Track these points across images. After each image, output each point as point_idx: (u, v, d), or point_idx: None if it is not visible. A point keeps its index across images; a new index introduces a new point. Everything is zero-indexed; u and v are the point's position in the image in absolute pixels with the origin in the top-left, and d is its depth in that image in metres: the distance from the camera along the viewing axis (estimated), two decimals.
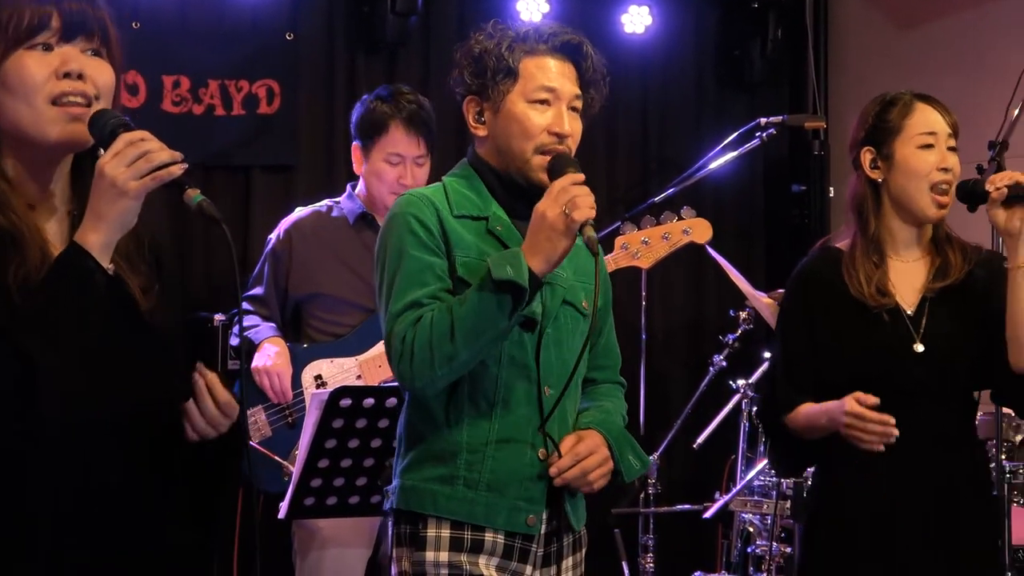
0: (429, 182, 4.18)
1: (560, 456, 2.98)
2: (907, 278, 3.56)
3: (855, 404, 3.34)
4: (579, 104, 3.07)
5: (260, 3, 5.77)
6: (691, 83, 7.04)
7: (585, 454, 2.99)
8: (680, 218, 4.72)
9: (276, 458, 4.31)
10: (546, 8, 6.20)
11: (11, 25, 2.40)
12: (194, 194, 2.34)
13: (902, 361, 3.47)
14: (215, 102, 5.67)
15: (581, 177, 2.87)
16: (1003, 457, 4.69)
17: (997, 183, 3.38)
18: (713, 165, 5.67)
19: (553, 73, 3.04)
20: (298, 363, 4.41)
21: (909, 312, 3.52)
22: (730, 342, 5.60)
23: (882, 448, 3.34)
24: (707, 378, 5.68)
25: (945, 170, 3.49)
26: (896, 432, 3.32)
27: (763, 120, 5.65)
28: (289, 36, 5.88)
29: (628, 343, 5.85)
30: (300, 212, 4.64)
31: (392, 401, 3.65)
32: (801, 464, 3.79)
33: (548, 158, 2.99)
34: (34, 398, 2.31)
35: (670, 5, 6.79)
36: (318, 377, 4.42)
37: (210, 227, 2.47)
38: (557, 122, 3.01)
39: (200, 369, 2.45)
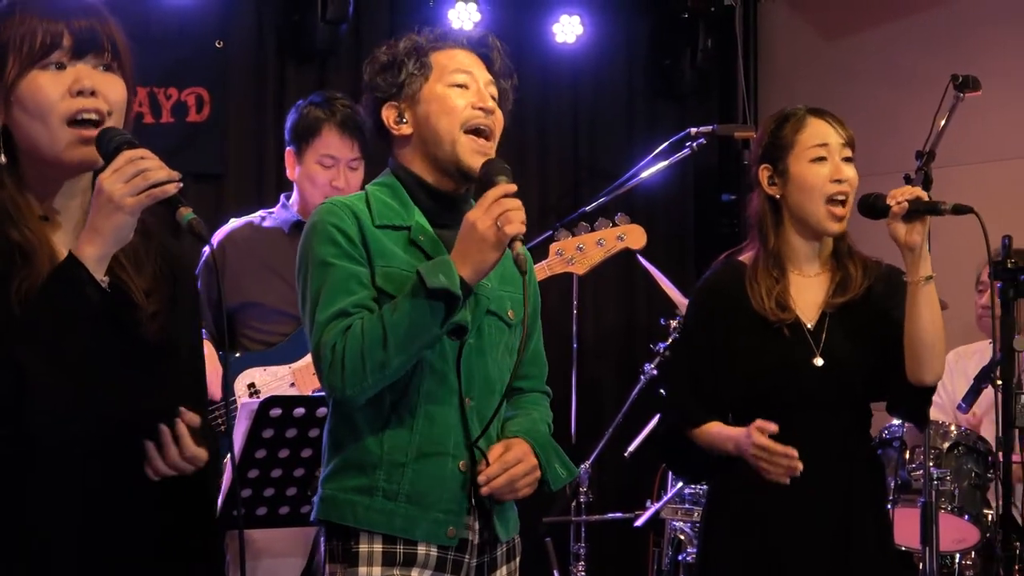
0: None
1: (488, 464, 2.95)
2: (808, 293, 3.59)
3: (760, 436, 3.37)
4: (495, 91, 3.07)
5: (189, 10, 5.74)
6: (622, 93, 7.07)
7: (513, 462, 2.96)
8: (614, 224, 4.73)
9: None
10: (477, 17, 6.21)
11: (24, 45, 2.44)
12: (186, 212, 2.40)
13: (802, 375, 3.51)
14: (143, 110, 5.63)
15: (513, 188, 2.85)
16: (931, 464, 4.69)
17: (898, 198, 3.40)
18: (644, 174, 5.68)
19: (464, 60, 3.06)
20: (231, 372, 4.38)
21: (809, 327, 3.55)
22: (661, 350, 5.59)
23: (787, 481, 3.37)
24: (638, 386, 5.66)
25: (839, 181, 3.51)
26: (800, 466, 3.35)
27: (693, 130, 5.66)
28: (219, 44, 5.86)
29: (560, 351, 5.99)
30: (233, 223, 4.59)
31: (323, 411, 3.56)
32: (704, 474, 3.79)
33: (478, 140, 2.99)
34: (22, 407, 2.34)
35: (601, 15, 6.81)
36: (251, 385, 4.38)
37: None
38: (480, 98, 3.02)
39: (181, 413, 2.48)
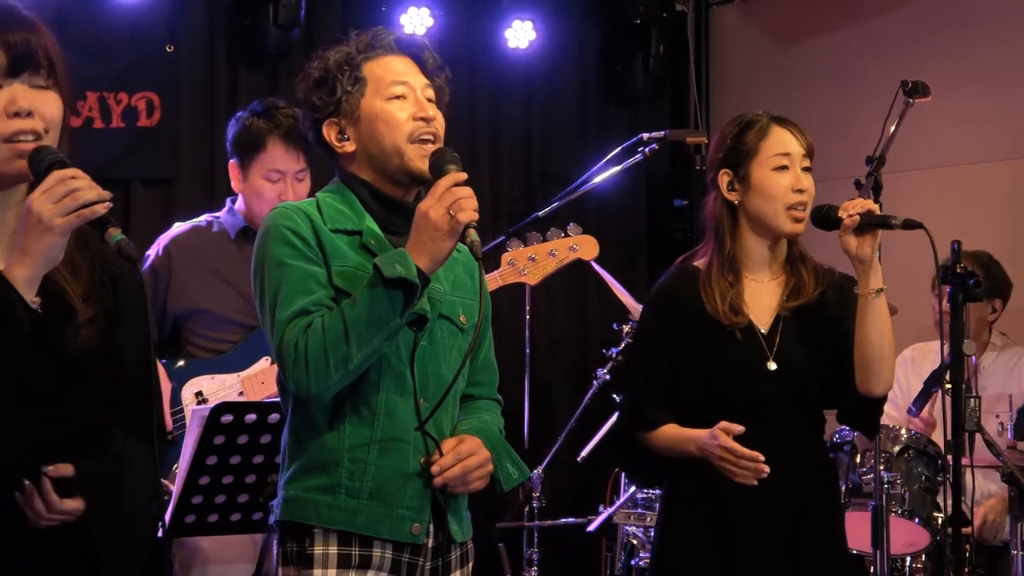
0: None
1: (441, 455, 2.97)
2: (762, 297, 3.62)
3: (726, 437, 3.39)
4: (432, 94, 3.09)
5: (140, 14, 5.69)
6: (574, 98, 7.06)
7: (467, 454, 2.99)
8: (567, 235, 4.73)
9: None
10: (430, 22, 6.19)
11: None
12: (115, 233, 2.40)
13: (755, 378, 3.54)
14: (93, 114, 5.59)
15: (464, 176, 2.88)
16: (881, 468, 4.74)
17: (849, 210, 3.43)
18: (596, 180, 5.69)
19: (398, 68, 3.07)
20: (178, 380, 4.33)
21: (763, 331, 3.58)
22: (613, 355, 5.59)
23: (755, 482, 3.39)
24: (590, 391, 5.66)
25: (800, 191, 3.54)
26: (767, 469, 3.37)
27: (645, 135, 5.68)
28: (169, 48, 5.81)
29: (512, 356, 5.96)
30: (179, 227, 4.55)
31: (275, 416, 3.60)
32: (659, 476, 3.79)
33: (424, 147, 3.00)
34: None
35: (553, 20, 6.79)
36: (199, 394, 4.34)
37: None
38: (420, 108, 3.03)
39: (45, 472, 2.47)
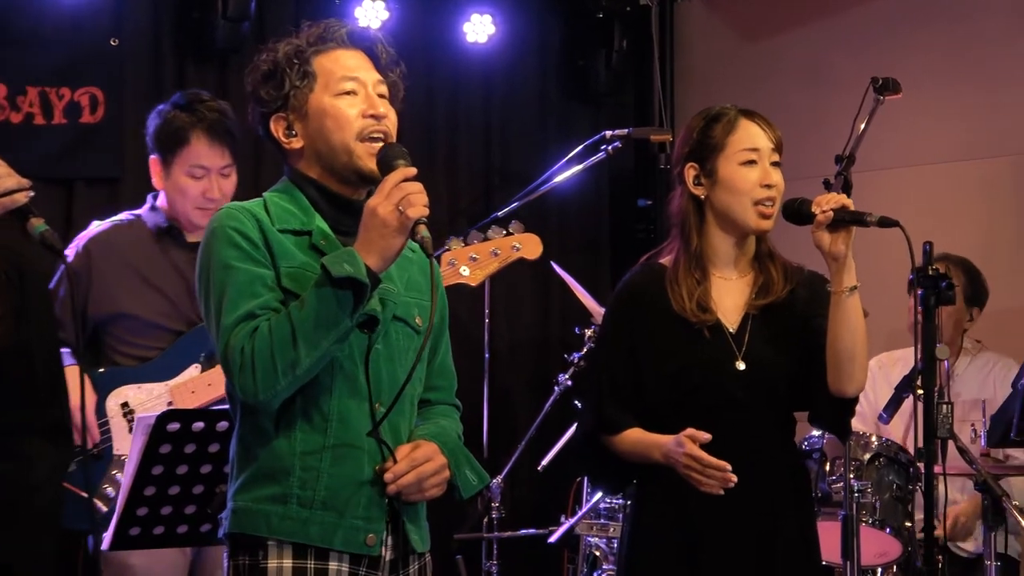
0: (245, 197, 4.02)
1: (396, 462, 2.93)
2: (730, 295, 3.59)
3: (692, 446, 3.36)
4: (384, 90, 3.05)
5: (82, 6, 5.60)
6: (535, 94, 7.04)
7: (422, 460, 2.95)
8: (509, 233, 4.65)
9: (83, 494, 4.07)
10: (385, 15, 6.15)
11: None
12: (37, 223, 2.37)
13: (723, 378, 3.51)
14: (34, 110, 5.50)
15: (413, 171, 2.85)
16: (851, 476, 4.71)
17: (823, 206, 3.40)
18: (558, 179, 5.66)
19: (350, 63, 3.03)
20: (100, 389, 4.19)
21: (731, 329, 3.56)
22: (575, 360, 5.55)
23: (721, 492, 3.36)
24: (552, 398, 5.63)
25: (768, 186, 3.51)
26: (734, 479, 3.33)
27: (608, 133, 5.65)
28: (114, 42, 5.72)
29: (471, 361, 5.97)
30: (98, 226, 4.43)
31: (223, 425, 3.55)
32: (624, 482, 3.76)
33: (374, 145, 2.97)
34: None
35: (513, 14, 6.76)
36: (124, 404, 4.23)
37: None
38: (370, 105, 2.99)
39: None
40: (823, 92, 6.59)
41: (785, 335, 3.54)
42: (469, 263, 4.50)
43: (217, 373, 4.16)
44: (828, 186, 4.43)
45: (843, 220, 3.38)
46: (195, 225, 4.29)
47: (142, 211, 4.41)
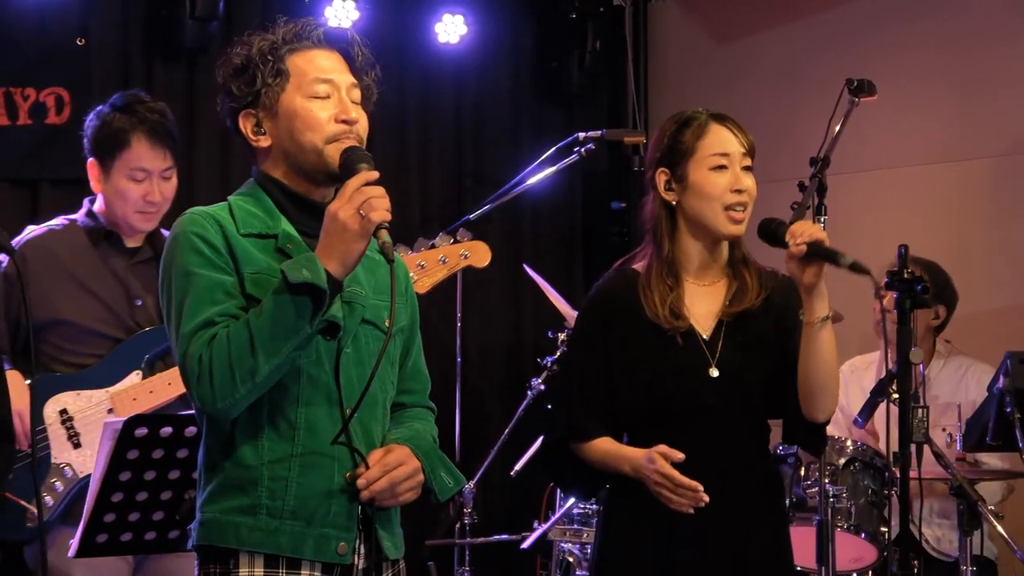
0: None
1: (368, 467, 2.91)
2: (703, 302, 3.57)
3: (664, 463, 3.35)
4: (358, 95, 3.02)
5: (48, 6, 5.57)
6: (507, 95, 7.03)
7: (394, 465, 2.93)
8: (457, 240, 4.63)
9: (22, 502, 4.01)
10: (356, 15, 6.12)
11: None
12: None
13: (697, 385, 3.49)
14: None
15: (375, 175, 2.83)
16: (826, 481, 4.71)
17: (797, 238, 3.37)
18: (531, 181, 5.61)
19: (325, 64, 2.99)
20: (37, 396, 4.11)
21: (705, 336, 3.53)
22: (548, 365, 5.53)
23: (691, 511, 3.35)
24: (525, 402, 5.61)
25: (738, 191, 3.49)
26: (706, 499, 3.32)
27: (581, 135, 5.60)
28: (80, 41, 5.68)
29: (443, 365, 5.94)
30: (33, 230, 4.36)
31: (192, 430, 3.53)
32: (594, 488, 3.77)
33: (344, 145, 2.94)
34: None
35: (485, 15, 6.75)
36: (63, 412, 4.16)
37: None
38: (342, 109, 2.96)
39: None
40: (798, 94, 6.60)
41: (759, 343, 3.52)
42: (417, 270, 4.47)
43: (159, 380, 4.13)
44: (803, 189, 4.43)
45: (816, 255, 3.35)
46: (135, 229, 4.23)
47: (78, 216, 4.34)
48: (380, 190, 2.79)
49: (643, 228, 3.66)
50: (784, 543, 3.61)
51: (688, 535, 3.44)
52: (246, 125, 2.99)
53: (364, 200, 2.77)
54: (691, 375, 3.49)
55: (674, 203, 3.54)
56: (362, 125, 2.99)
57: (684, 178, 3.51)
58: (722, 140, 3.51)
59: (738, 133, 3.53)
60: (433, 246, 4.54)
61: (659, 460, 3.34)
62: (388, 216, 2.78)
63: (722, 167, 3.49)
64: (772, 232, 3.44)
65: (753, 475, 3.55)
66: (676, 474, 3.32)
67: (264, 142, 2.99)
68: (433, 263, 4.49)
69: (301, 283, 2.73)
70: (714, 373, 3.48)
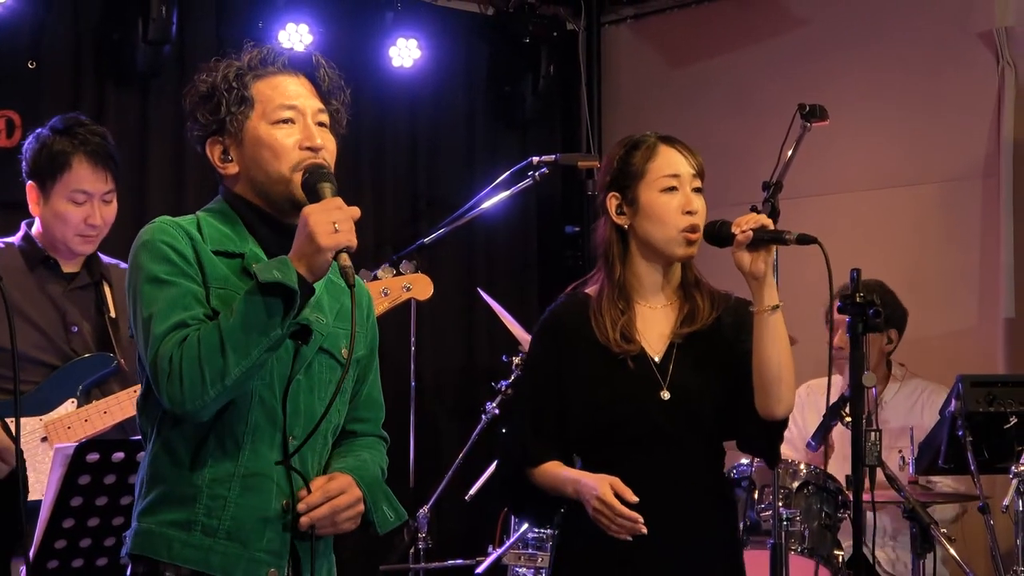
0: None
1: (309, 492, 2.89)
2: (654, 324, 3.56)
3: (610, 494, 3.34)
4: (325, 119, 2.99)
5: None
6: (461, 120, 7.04)
7: (336, 492, 2.90)
8: (399, 273, 4.62)
9: None
10: (309, 39, 6.11)
11: None
12: None
13: (648, 408, 3.48)
14: None
15: (340, 201, 2.80)
16: (780, 504, 4.69)
17: (743, 226, 3.38)
18: (485, 205, 5.62)
19: (290, 91, 2.97)
20: None
21: (656, 359, 3.52)
22: (503, 388, 5.54)
23: (630, 538, 3.34)
24: (479, 426, 5.61)
25: (690, 213, 3.49)
26: (644, 530, 3.32)
27: (535, 159, 5.62)
28: (31, 64, 5.67)
29: (397, 389, 5.85)
30: None
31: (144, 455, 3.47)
32: (548, 514, 3.73)
33: None
34: None
35: (439, 39, 6.75)
36: None
37: None
38: (307, 136, 2.93)
39: None
40: (750, 118, 6.60)
41: (711, 363, 3.51)
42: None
43: (95, 409, 4.07)
44: (755, 212, 4.42)
45: (762, 239, 3.37)
46: (74, 253, 4.18)
47: (14, 239, 4.28)
48: (354, 214, 2.78)
49: (595, 252, 3.65)
50: (738, 567, 3.59)
51: (643, 560, 3.42)
52: (213, 152, 2.98)
53: (342, 218, 2.75)
54: (642, 398, 3.47)
55: (626, 226, 3.53)
56: (329, 150, 2.96)
57: (635, 201, 3.51)
58: (672, 162, 3.51)
59: (688, 155, 3.53)
60: (376, 277, 4.53)
61: (604, 489, 3.33)
62: (354, 241, 2.76)
63: (672, 188, 3.48)
64: (717, 232, 3.45)
65: (707, 498, 3.52)
66: (616, 504, 3.31)
67: (232, 169, 2.97)
68: (376, 295, 4.47)
69: (272, 283, 2.71)
70: (665, 396, 3.46)
